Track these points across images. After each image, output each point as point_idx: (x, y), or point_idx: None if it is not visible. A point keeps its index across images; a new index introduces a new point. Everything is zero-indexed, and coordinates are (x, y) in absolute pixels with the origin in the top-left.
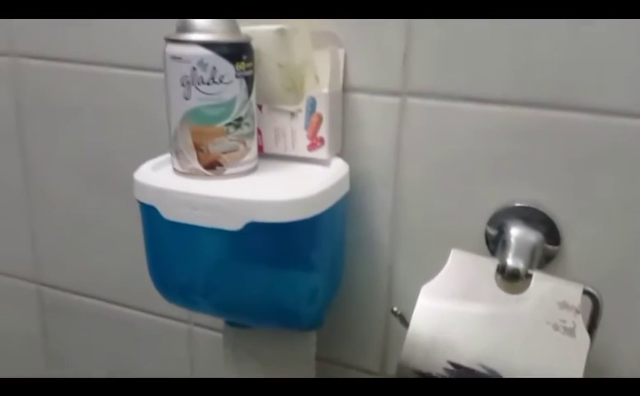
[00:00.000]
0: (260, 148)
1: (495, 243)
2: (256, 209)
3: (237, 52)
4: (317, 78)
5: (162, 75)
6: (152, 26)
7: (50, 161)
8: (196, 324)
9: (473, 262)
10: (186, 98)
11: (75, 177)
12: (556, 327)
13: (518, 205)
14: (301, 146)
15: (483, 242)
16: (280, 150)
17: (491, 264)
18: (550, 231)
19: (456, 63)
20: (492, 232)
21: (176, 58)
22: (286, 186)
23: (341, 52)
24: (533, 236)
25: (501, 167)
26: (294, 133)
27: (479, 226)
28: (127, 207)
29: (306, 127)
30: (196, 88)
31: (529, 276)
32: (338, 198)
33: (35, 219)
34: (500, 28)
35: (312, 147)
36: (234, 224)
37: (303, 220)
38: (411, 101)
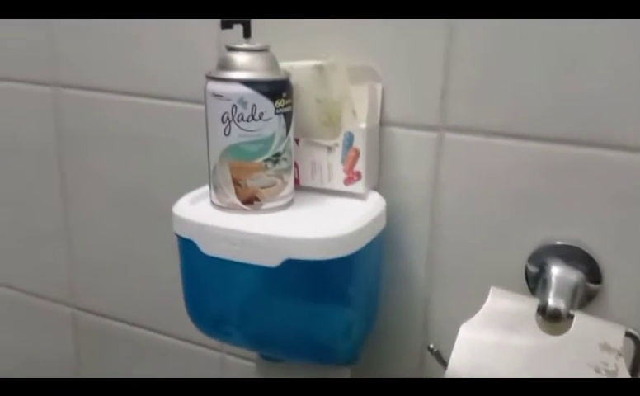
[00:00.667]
0: (296, 181)
1: (535, 281)
2: (294, 247)
3: (277, 90)
4: (354, 113)
5: (199, 106)
6: (191, 58)
7: (88, 188)
8: (229, 353)
9: (513, 301)
10: (226, 134)
11: (112, 205)
12: (597, 370)
13: (559, 243)
14: (337, 180)
15: (523, 279)
16: (316, 183)
17: (532, 303)
18: (591, 269)
19: (494, 98)
20: (533, 269)
21: (217, 95)
22: (323, 222)
23: (378, 87)
24: (574, 275)
25: (541, 204)
26: (330, 167)
27: (519, 263)
28: (162, 235)
29: (343, 161)
30: (236, 125)
31: (570, 317)
32: (375, 235)
33: (73, 244)
34: (538, 64)
35: (348, 181)
36: (272, 261)
37: (339, 258)
38: (449, 136)
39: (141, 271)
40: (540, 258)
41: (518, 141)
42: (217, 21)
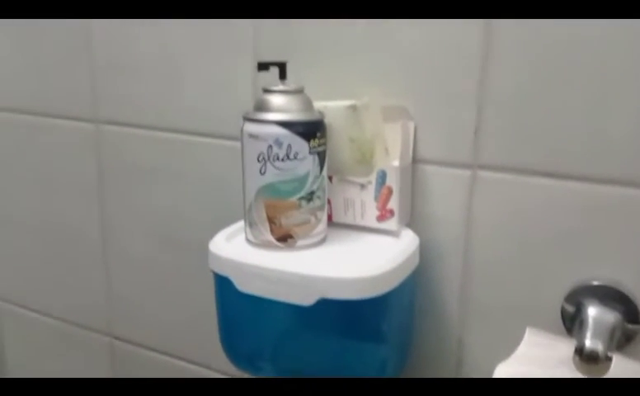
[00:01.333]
0: (329, 217)
1: (572, 321)
2: (328, 287)
3: (312, 130)
4: (387, 151)
5: (236, 143)
6: (228, 96)
7: (127, 220)
8: None
9: (550, 342)
10: (262, 173)
11: (149, 237)
12: None
13: (595, 282)
14: (370, 217)
15: (559, 319)
16: (349, 220)
17: (569, 345)
18: (629, 310)
19: (528, 136)
20: (569, 309)
21: (253, 136)
22: (357, 260)
23: (411, 125)
24: (612, 316)
25: (577, 243)
26: (363, 204)
27: (555, 302)
28: (198, 268)
29: (376, 198)
30: (272, 164)
31: (608, 359)
32: (409, 273)
33: (111, 274)
34: (574, 100)
35: (381, 218)
36: (306, 300)
37: (374, 297)
38: (482, 173)
39: (177, 303)
40: (577, 298)
41: (553, 180)
42: (254, 62)
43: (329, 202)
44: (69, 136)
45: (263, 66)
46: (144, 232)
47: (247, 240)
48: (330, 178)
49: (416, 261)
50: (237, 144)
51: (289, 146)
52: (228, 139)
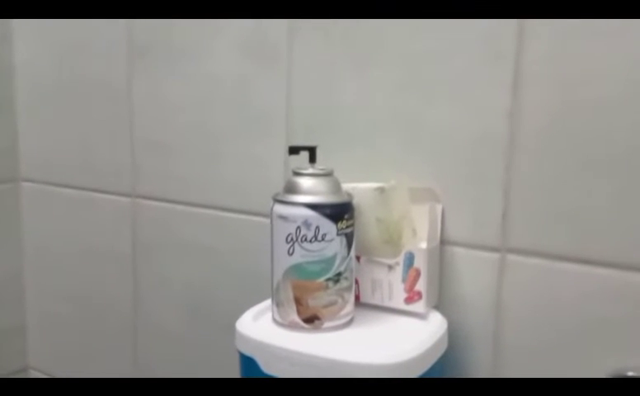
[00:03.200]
0: (356, 298)
1: None
2: (355, 372)
3: (340, 212)
4: (414, 232)
5: (267, 220)
6: (261, 174)
7: (158, 294)
8: None
9: None
10: (290, 254)
11: (179, 311)
12: None
13: (631, 374)
14: (398, 298)
15: None
16: (376, 301)
17: None
18: None
19: (558, 220)
20: None
21: (282, 217)
22: (384, 344)
23: (439, 207)
24: None
25: (612, 332)
26: (391, 285)
27: None
28: (225, 345)
29: (403, 280)
30: (300, 246)
31: None
32: (437, 357)
33: (138, 347)
34: (606, 184)
35: (409, 300)
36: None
37: None
38: (511, 257)
39: (204, 376)
40: None
41: (585, 266)
42: (286, 143)
43: (357, 282)
44: (108, 209)
45: (294, 150)
46: (175, 305)
47: (274, 320)
48: (358, 258)
49: (445, 345)
50: (268, 221)
51: (318, 228)
52: (261, 216)
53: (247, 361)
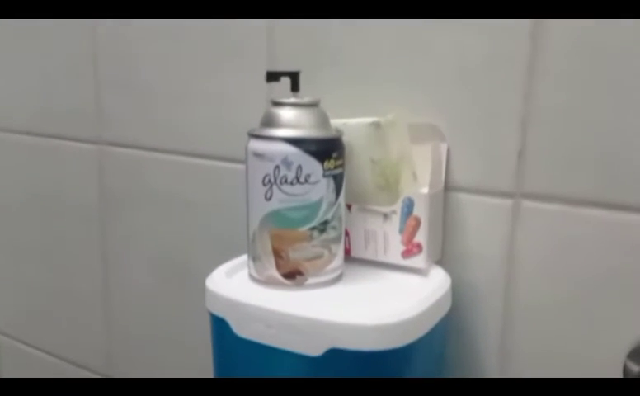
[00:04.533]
0: (347, 252)
1: None
2: (340, 334)
3: (326, 149)
4: (414, 176)
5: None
6: (238, 115)
7: (129, 249)
8: None
9: None
10: (267, 199)
11: (151, 269)
12: None
13: None
14: (394, 252)
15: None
16: (369, 255)
17: None
18: None
19: (582, 160)
20: (634, 368)
21: (258, 155)
22: (377, 303)
23: (443, 147)
24: None
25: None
26: (386, 237)
27: (616, 360)
28: (201, 305)
29: (401, 231)
30: (278, 188)
31: None
32: (438, 319)
33: (110, 309)
34: (634, 118)
35: (407, 253)
36: (313, 349)
37: (396, 348)
38: (527, 204)
39: (178, 343)
40: None
41: (612, 212)
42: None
43: (347, 234)
44: (72, 158)
45: (273, 76)
46: (147, 262)
47: (250, 276)
48: (348, 207)
49: (448, 305)
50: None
51: (300, 167)
52: (239, 163)
53: (218, 323)
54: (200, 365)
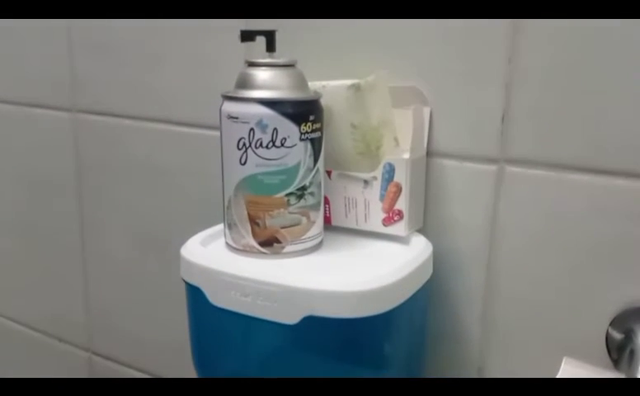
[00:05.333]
0: (327, 220)
1: (619, 351)
2: (315, 302)
3: (303, 111)
4: (396, 141)
5: None
6: (215, 79)
7: (106, 218)
8: None
9: (591, 376)
10: (242, 163)
11: (129, 238)
12: None
13: None
14: (375, 220)
15: (604, 347)
16: (350, 223)
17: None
18: None
19: (568, 124)
20: (616, 336)
21: (232, 117)
22: (355, 270)
23: (426, 111)
24: None
25: (627, 255)
26: (367, 204)
27: (598, 327)
28: (178, 275)
29: (381, 198)
30: (254, 152)
31: None
32: (419, 286)
33: (90, 282)
34: (626, 79)
35: (388, 221)
36: (289, 317)
37: (374, 316)
38: (511, 169)
39: (158, 312)
40: (626, 323)
41: (598, 177)
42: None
43: (327, 201)
44: (46, 126)
45: (248, 35)
46: (124, 232)
47: (227, 244)
48: (328, 173)
49: (429, 273)
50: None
51: (275, 130)
52: (218, 130)
53: (193, 292)
54: (180, 335)
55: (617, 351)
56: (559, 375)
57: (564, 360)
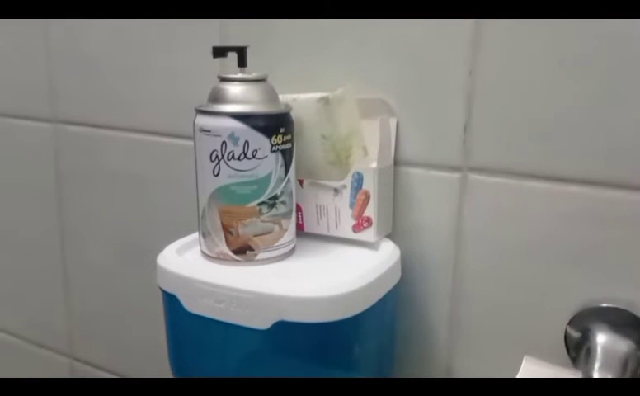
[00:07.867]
0: (300, 227)
1: (577, 349)
2: (286, 307)
3: (274, 124)
4: (364, 151)
5: None
6: (191, 91)
7: (86, 227)
8: None
9: (551, 373)
10: (215, 175)
11: (109, 246)
12: None
13: (605, 305)
14: (345, 226)
15: (563, 346)
16: (322, 230)
17: (573, 376)
18: None
19: (526, 134)
20: (574, 335)
21: (205, 130)
22: (325, 276)
23: (392, 122)
24: (624, 344)
25: (584, 259)
26: (337, 211)
27: (558, 327)
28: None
29: (351, 205)
30: (226, 164)
31: None
32: (387, 289)
33: (70, 288)
34: (580, 93)
35: (357, 227)
36: (261, 323)
37: (343, 320)
38: (474, 177)
39: (137, 319)
40: (583, 322)
41: (556, 184)
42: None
43: (300, 209)
44: (25, 136)
45: (219, 52)
46: (104, 241)
47: (202, 253)
48: (300, 182)
49: (397, 276)
50: None
51: (247, 143)
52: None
53: (169, 299)
54: (158, 341)
55: (575, 350)
56: (520, 373)
57: (525, 358)
